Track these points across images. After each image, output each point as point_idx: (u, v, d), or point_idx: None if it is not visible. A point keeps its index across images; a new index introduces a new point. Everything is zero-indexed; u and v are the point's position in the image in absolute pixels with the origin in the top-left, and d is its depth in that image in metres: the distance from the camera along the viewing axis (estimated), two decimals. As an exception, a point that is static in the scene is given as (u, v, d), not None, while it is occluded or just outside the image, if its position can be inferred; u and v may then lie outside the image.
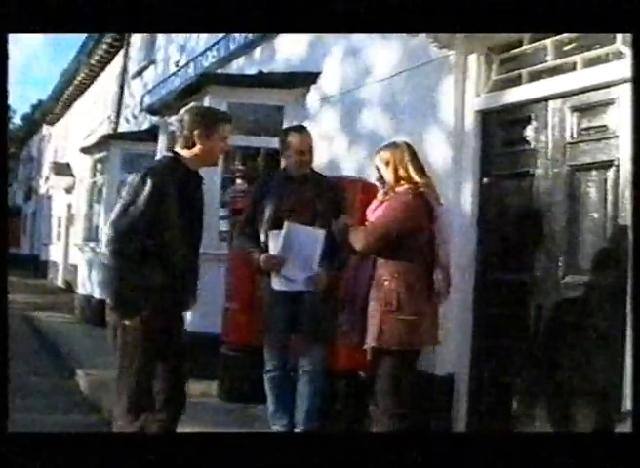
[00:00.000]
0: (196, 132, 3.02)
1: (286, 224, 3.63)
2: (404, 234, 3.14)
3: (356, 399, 4.09)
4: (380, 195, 3.35)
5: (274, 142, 6.07)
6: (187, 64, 8.80)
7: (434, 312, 3.27)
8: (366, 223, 3.32)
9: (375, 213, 3.31)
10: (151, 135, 8.88)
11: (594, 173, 3.53)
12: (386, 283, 3.14)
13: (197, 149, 3.05)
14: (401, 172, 3.22)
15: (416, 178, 3.19)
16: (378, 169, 3.33)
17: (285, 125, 6.08)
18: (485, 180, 4.14)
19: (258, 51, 6.96)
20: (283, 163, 3.95)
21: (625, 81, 3.19)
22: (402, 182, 3.21)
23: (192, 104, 3.64)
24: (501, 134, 4.09)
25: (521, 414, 3.78)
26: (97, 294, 9.38)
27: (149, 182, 2.84)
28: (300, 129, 3.93)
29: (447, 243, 3.32)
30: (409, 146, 3.31)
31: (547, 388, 3.65)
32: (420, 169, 3.24)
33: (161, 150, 7.35)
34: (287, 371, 3.85)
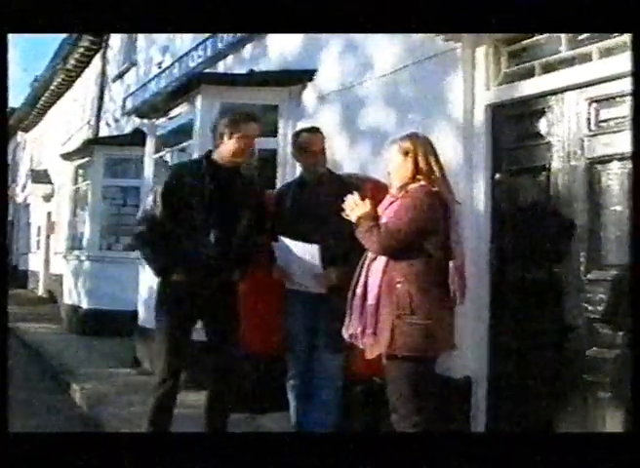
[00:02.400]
0: (219, 131, 3.45)
1: (279, 239, 3.65)
2: (418, 235, 2.98)
3: (373, 406, 3.95)
4: (393, 191, 3.17)
5: (269, 143, 5.99)
6: (172, 65, 8.58)
7: (450, 316, 3.09)
8: (379, 223, 3.11)
9: (387, 211, 3.11)
10: (135, 138, 8.72)
11: (615, 165, 3.42)
12: (399, 286, 2.95)
13: (222, 147, 3.45)
14: (422, 165, 3.02)
15: (437, 173, 3.02)
16: (392, 160, 3.11)
17: (280, 124, 5.97)
18: (497, 176, 4.02)
19: (247, 49, 6.79)
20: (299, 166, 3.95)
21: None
22: (419, 177, 3.01)
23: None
24: (514, 128, 3.97)
25: (542, 417, 3.66)
26: (84, 304, 9.15)
27: (165, 178, 3.55)
28: (312, 129, 3.91)
29: (461, 243, 3.15)
30: (429, 139, 3.14)
31: (570, 390, 3.53)
32: (440, 164, 3.08)
33: (149, 154, 7.16)
34: (309, 378, 3.75)
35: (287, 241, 3.59)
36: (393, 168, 3.10)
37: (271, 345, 4.15)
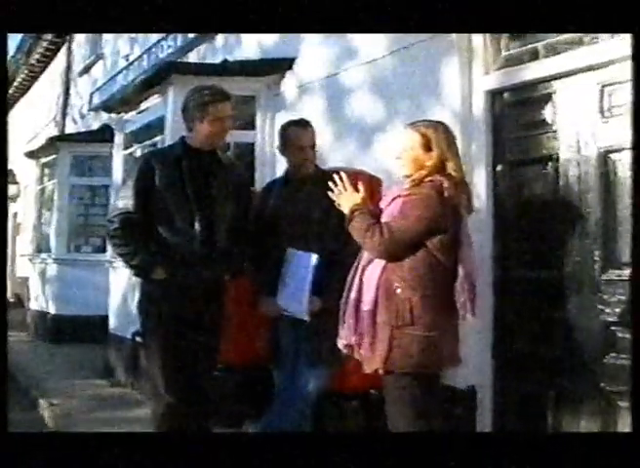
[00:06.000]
0: (190, 115, 3.12)
1: (287, 251, 3.37)
2: (425, 237, 2.63)
3: (368, 420, 3.64)
4: (400, 188, 2.78)
5: (245, 136, 5.64)
6: (140, 57, 8.16)
7: (455, 327, 2.75)
8: (380, 222, 2.72)
9: (389, 208, 2.76)
10: (103, 134, 8.36)
11: (632, 154, 3.13)
12: (398, 292, 2.60)
13: (195, 132, 3.13)
14: (449, 162, 2.64)
15: (459, 173, 2.67)
16: (407, 149, 2.73)
17: (258, 116, 5.62)
18: (499, 168, 3.72)
19: (220, 38, 6.40)
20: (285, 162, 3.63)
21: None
22: (438, 176, 2.64)
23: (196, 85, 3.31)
24: (516, 115, 3.66)
25: (555, 431, 3.37)
26: (52, 309, 8.71)
27: (138, 165, 3.22)
28: (302, 122, 3.53)
29: (472, 249, 2.80)
30: (452, 130, 2.78)
31: (587, 400, 3.25)
32: (460, 162, 2.73)
33: (118, 150, 6.75)
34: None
35: (290, 251, 3.34)
36: (408, 158, 2.72)
37: (252, 357, 3.83)
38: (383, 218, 2.69)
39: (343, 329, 2.80)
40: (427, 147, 2.68)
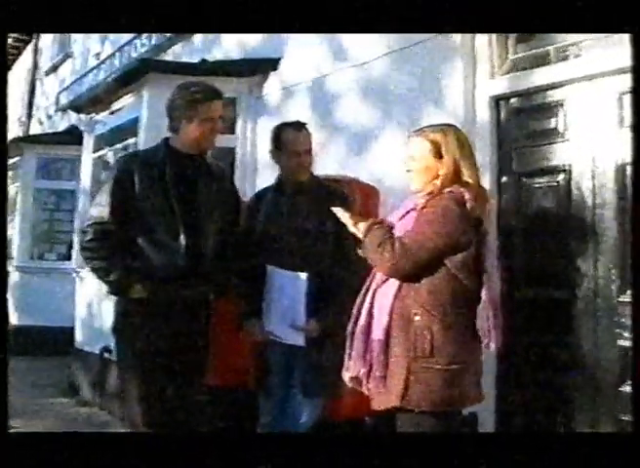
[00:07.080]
0: (176, 114, 2.81)
1: (268, 268, 3.03)
2: (444, 254, 2.32)
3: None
4: (415, 200, 2.46)
5: (225, 140, 5.32)
6: (112, 56, 7.79)
7: (478, 358, 2.44)
8: (392, 236, 2.41)
9: (403, 222, 2.45)
10: (71, 136, 7.99)
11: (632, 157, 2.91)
12: (416, 319, 2.30)
13: (182, 134, 2.82)
14: (462, 166, 2.38)
15: (474, 178, 2.40)
16: (416, 158, 2.44)
17: (239, 120, 5.32)
18: (504, 180, 3.48)
19: (198, 36, 6.08)
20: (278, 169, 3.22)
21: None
22: (456, 185, 2.37)
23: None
24: (524, 123, 3.45)
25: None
26: (13, 320, 8.23)
27: (115, 169, 2.88)
28: (297, 125, 3.17)
29: (494, 267, 2.49)
30: (464, 133, 2.50)
31: (597, 430, 3.01)
32: (477, 167, 2.46)
33: (87, 153, 6.39)
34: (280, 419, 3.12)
35: (274, 270, 2.99)
36: (418, 169, 2.45)
37: (238, 381, 3.51)
38: (396, 234, 2.40)
39: (350, 359, 2.49)
40: (438, 154, 2.40)
